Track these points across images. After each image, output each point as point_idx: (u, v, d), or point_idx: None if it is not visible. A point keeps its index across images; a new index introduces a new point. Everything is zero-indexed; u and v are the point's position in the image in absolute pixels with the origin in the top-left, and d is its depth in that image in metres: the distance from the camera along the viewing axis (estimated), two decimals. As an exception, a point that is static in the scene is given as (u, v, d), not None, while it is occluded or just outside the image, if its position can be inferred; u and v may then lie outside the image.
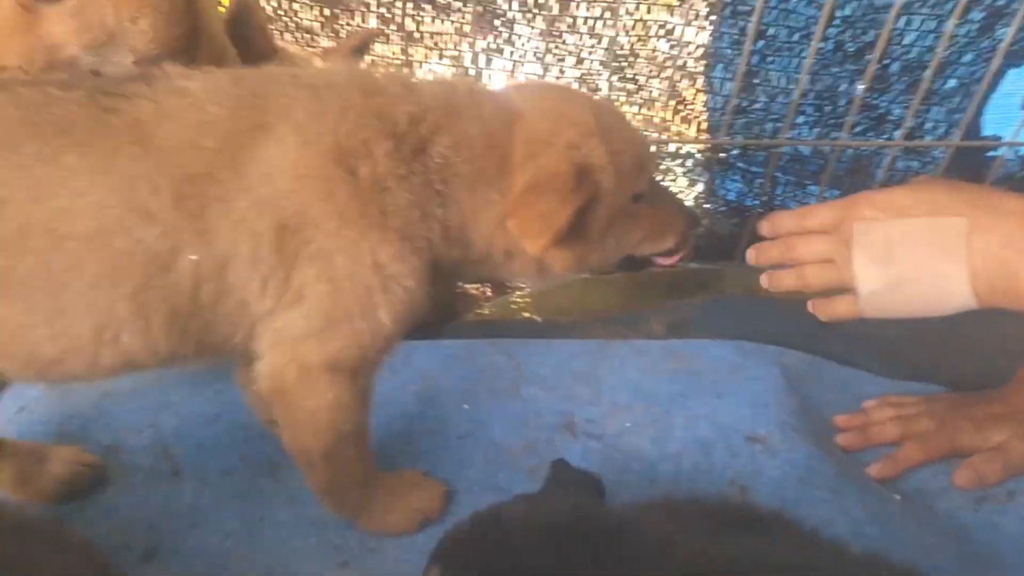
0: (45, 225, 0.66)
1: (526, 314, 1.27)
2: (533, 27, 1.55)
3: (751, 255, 0.94)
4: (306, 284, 0.72)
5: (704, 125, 1.53)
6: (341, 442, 0.81)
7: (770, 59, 1.43)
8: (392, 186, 0.73)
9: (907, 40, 1.33)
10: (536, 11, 1.51)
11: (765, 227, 0.94)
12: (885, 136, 1.41)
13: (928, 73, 1.23)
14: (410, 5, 1.49)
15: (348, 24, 1.58)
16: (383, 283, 0.74)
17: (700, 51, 1.50)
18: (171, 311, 0.70)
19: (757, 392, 1.10)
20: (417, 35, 1.58)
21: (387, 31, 1.56)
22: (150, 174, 0.67)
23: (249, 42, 1.11)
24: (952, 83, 1.37)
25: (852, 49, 1.36)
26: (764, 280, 0.94)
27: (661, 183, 0.99)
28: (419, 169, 0.75)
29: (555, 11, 1.48)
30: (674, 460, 1.01)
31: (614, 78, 1.54)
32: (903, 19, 1.30)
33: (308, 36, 1.62)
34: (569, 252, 0.81)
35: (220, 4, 1.09)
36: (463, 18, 1.53)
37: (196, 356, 0.77)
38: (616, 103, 1.56)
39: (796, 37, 1.39)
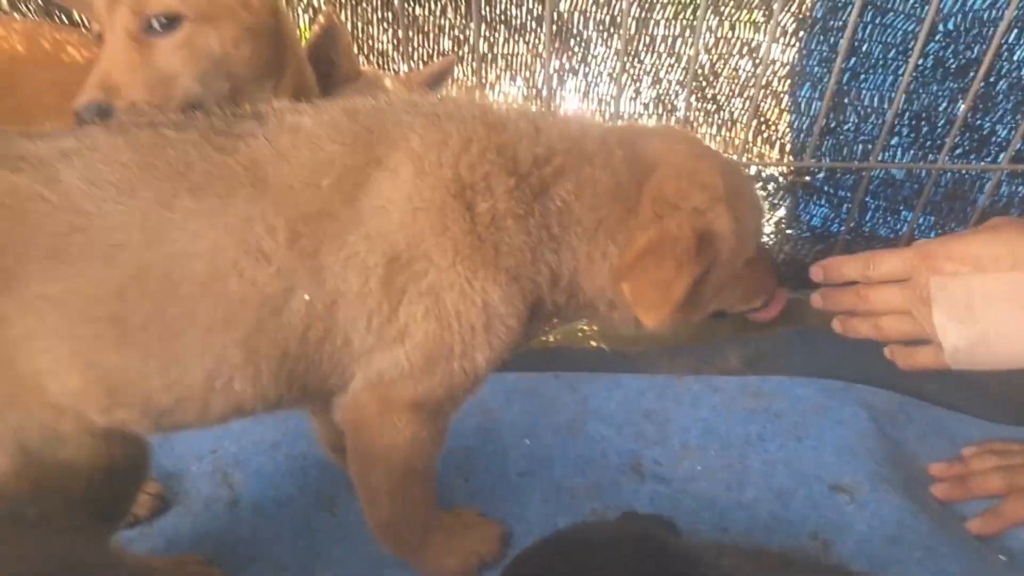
0: (161, 270, 0.65)
1: (593, 343, 1.22)
2: (609, 47, 1.52)
3: (816, 300, 0.91)
4: (412, 322, 0.70)
5: (788, 147, 1.46)
6: (410, 479, 0.79)
7: (862, 77, 1.35)
8: (509, 225, 0.71)
9: (1017, 56, 1.23)
10: (613, 30, 1.48)
11: (818, 272, 0.89)
12: (988, 159, 1.31)
13: (1040, 92, 1.13)
14: (484, 26, 1.48)
15: (421, 46, 1.58)
16: (488, 324, 0.72)
17: (785, 69, 1.43)
18: (281, 354, 0.69)
19: (842, 436, 1.03)
20: (490, 56, 1.57)
21: (460, 53, 1.56)
22: (265, 214, 0.66)
23: (333, 64, 1.12)
24: (1066, 102, 1.26)
25: (954, 66, 1.27)
26: (836, 325, 0.91)
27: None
28: (538, 211, 0.72)
29: (633, 30, 1.44)
30: (749, 509, 0.94)
31: (692, 98, 1.49)
32: (1013, 32, 1.20)
33: (381, 58, 1.63)
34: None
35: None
36: (537, 39, 1.51)
37: (298, 400, 0.75)
38: (695, 124, 1.51)
39: (892, 53, 1.30)
